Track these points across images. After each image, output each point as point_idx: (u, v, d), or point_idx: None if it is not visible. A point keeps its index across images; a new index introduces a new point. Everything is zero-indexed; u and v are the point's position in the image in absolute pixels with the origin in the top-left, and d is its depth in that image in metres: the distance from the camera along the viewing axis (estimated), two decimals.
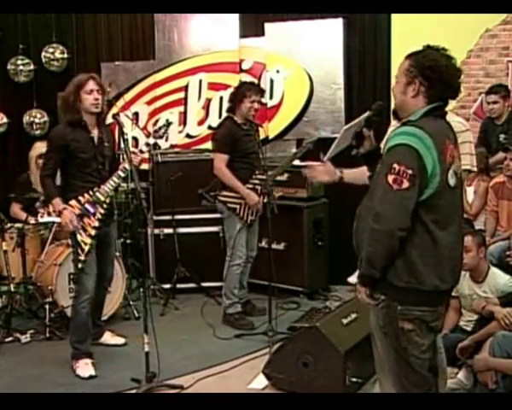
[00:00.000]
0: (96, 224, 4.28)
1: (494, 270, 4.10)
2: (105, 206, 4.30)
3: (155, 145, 5.06)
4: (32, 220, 5.17)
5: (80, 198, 4.25)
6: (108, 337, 4.80)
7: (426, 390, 2.71)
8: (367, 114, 2.90)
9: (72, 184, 4.27)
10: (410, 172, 2.44)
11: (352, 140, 2.89)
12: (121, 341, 4.78)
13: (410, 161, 2.45)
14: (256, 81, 6.52)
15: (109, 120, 5.15)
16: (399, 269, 2.54)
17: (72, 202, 4.23)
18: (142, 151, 4.45)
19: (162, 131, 4.50)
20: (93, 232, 4.27)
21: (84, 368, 4.28)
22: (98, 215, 4.28)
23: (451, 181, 2.55)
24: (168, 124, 4.59)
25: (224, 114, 5.30)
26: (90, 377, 4.23)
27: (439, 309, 2.67)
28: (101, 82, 4.31)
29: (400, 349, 2.61)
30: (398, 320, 2.58)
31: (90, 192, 4.26)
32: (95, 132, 4.29)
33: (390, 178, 2.46)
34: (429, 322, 2.62)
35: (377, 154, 2.80)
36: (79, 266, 4.28)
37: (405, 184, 2.44)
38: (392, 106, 2.89)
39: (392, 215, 2.47)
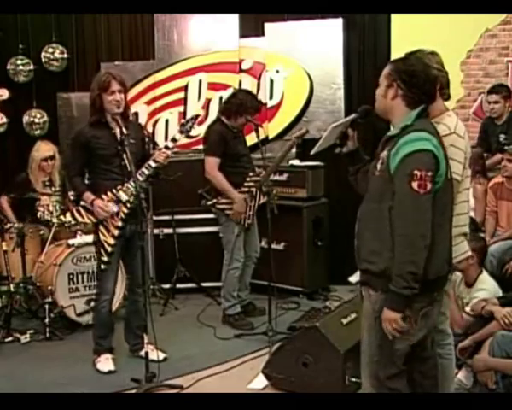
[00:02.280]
0: (120, 224, 4.21)
1: (484, 276, 4.11)
2: (129, 205, 4.18)
3: (155, 145, 5.03)
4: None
5: (103, 197, 4.19)
6: (149, 351, 4.31)
7: (400, 385, 2.78)
8: (353, 116, 3.06)
9: (97, 183, 4.23)
10: (429, 174, 2.59)
11: (336, 139, 3.04)
12: (161, 356, 4.34)
13: (429, 164, 2.60)
14: (256, 81, 6.54)
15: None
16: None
17: (104, 196, 4.20)
18: (167, 147, 4.26)
19: (190, 124, 4.32)
20: (116, 232, 4.21)
21: (105, 363, 4.32)
22: (121, 215, 4.20)
23: (448, 173, 2.73)
24: (196, 116, 4.45)
25: (216, 114, 5.28)
26: (110, 372, 4.28)
27: (434, 295, 2.76)
28: (122, 80, 4.21)
29: (387, 337, 2.69)
30: None
31: (114, 191, 4.18)
32: (117, 129, 4.19)
33: (415, 184, 2.57)
34: (424, 307, 2.71)
35: (357, 153, 3.06)
36: (102, 267, 4.26)
37: (429, 186, 2.59)
38: None
39: (423, 218, 2.60)
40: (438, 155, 2.63)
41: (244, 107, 4.96)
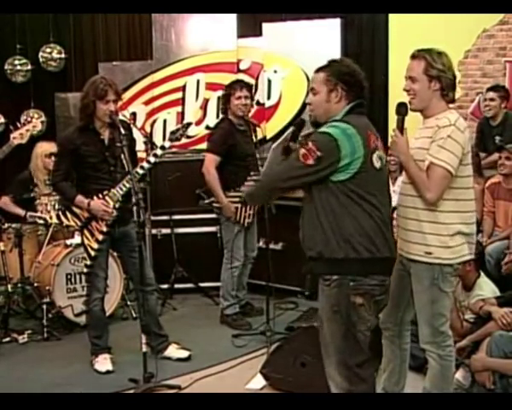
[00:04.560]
0: (104, 229, 4.21)
1: (482, 280, 4.11)
2: (115, 211, 4.18)
3: (153, 145, 5.01)
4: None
5: (95, 198, 4.19)
6: (173, 350, 4.50)
7: (368, 373, 2.88)
8: (291, 129, 3.13)
9: (85, 187, 4.21)
10: (318, 153, 2.72)
11: (281, 155, 3.14)
12: (185, 354, 4.48)
13: (323, 146, 2.73)
14: (253, 81, 6.55)
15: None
16: (339, 243, 2.76)
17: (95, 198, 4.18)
18: (156, 155, 4.24)
19: (180, 132, 4.32)
20: (100, 237, 4.21)
21: (103, 363, 4.32)
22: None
23: (376, 164, 2.82)
24: (188, 125, 4.44)
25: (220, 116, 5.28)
26: (107, 371, 4.27)
27: (386, 283, 2.89)
28: (117, 88, 4.16)
29: (350, 326, 2.81)
30: (350, 296, 2.78)
31: (100, 195, 4.18)
32: (105, 134, 4.21)
33: (301, 151, 2.76)
34: (377, 296, 2.84)
35: None
36: (85, 270, 4.28)
37: (310, 161, 2.73)
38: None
39: (284, 175, 2.85)
40: (341, 143, 2.71)
41: (228, 89, 4.97)
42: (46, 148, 5.68)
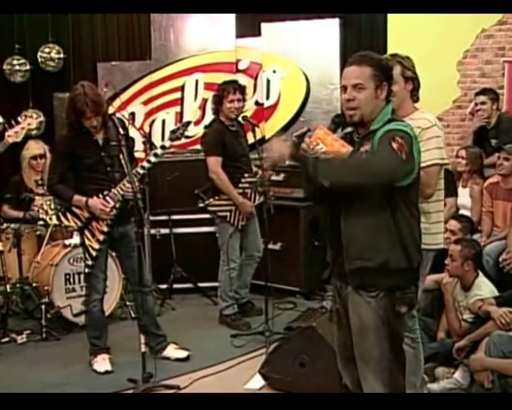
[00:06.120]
0: (105, 228, 4.21)
1: (481, 280, 4.12)
2: (114, 211, 4.18)
3: (152, 145, 5.01)
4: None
5: (95, 198, 4.18)
6: (172, 351, 4.52)
7: (403, 375, 2.85)
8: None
9: (84, 188, 4.21)
10: (407, 149, 2.60)
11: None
12: (184, 354, 4.50)
13: (409, 144, 2.62)
14: (252, 81, 6.55)
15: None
16: (398, 252, 2.68)
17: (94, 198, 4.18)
18: (156, 154, 4.21)
19: (180, 131, 4.31)
20: (101, 237, 4.22)
21: (102, 363, 4.33)
22: (108, 220, 4.21)
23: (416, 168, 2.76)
24: (187, 123, 4.44)
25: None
26: (106, 372, 4.28)
27: (417, 286, 2.88)
28: (96, 105, 4.03)
29: (396, 334, 2.77)
30: (395, 305, 2.72)
31: (100, 196, 4.17)
32: (99, 135, 4.20)
33: (394, 145, 2.58)
34: (414, 304, 2.89)
35: None
36: (86, 270, 4.28)
37: (403, 156, 2.59)
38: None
39: (388, 170, 2.59)
40: (415, 143, 2.67)
41: (221, 90, 4.96)
42: (32, 151, 5.68)
